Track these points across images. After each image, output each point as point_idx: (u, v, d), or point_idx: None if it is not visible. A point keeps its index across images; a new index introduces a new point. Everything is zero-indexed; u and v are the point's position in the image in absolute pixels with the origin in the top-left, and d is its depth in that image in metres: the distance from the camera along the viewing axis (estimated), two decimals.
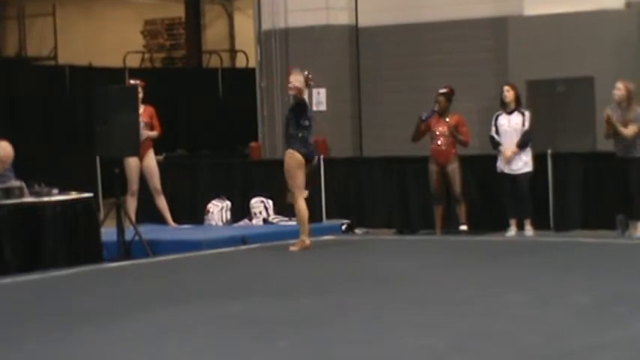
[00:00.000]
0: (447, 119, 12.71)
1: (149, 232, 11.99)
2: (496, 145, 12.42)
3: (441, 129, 12.67)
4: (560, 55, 13.78)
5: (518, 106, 12.45)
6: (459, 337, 6.78)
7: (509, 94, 12.45)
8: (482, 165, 12.82)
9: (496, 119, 12.48)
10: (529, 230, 12.34)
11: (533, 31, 13.98)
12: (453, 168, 12.70)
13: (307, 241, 11.00)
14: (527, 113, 12.42)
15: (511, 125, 12.37)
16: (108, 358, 6.63)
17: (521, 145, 12.29)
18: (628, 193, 11.63)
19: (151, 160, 12.86)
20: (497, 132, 12.44)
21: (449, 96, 12.78)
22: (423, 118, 12.72)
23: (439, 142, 12.66)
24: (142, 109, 12.88)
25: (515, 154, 12.26)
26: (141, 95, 12.85)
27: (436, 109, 12.73)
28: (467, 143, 12.75)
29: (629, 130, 11.48)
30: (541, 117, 13.48)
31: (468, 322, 7.19)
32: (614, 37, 13.88)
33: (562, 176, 12.70)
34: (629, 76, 12.08)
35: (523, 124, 12.34)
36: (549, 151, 12.68)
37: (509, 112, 12.44)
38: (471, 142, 12.79)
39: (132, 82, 13.12)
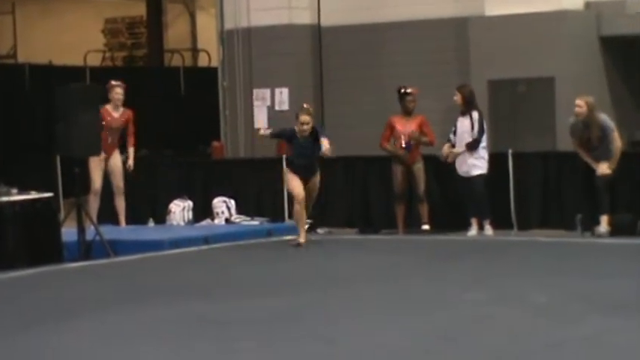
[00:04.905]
0: (413, 120, 12.77)
1: (110, 232, 11.92)
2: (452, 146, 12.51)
3: (408, 129, 12.71)
4: (521, 55, 13.85)
5: (467, 109, 12.47)
6: (420, 336, 6.82)
7: (456, 97, 12.54)
8: (443, 165, 12.87)
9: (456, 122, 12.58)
10: (489, 230, 12.40)
11: (494, 32, 14.05)
12: (419, 168, 12.75)
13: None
14: (474, 115, 12.45)
15: (462, 127, 12.45)
16: (66, 358, 6.59)
17: (470, 147, 12.33)
18: (591, 193, 11.68)
19: (117, 160, 12.86)
20: (454, 133, 12.51)
21: (416, 96, 12.85)
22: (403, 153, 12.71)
23: (405, 143, 12.69)
24: (120, 111, 12.83)
25: (452, 153, 12.29)
26: (122, 97, 12.82)
27: (410, 108, 12.77)
28: (432, 143, 12.80)
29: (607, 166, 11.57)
30: (502, 117, 13.55)
31: (429, 321, 7.23)
32: (574, 37, 13.98)
33: (523, 175, 12.77)
34: (588, 75, 12.17)
35: (472, 126, 12.39)
36: (510, 151, 12.75)
37: (462, 115, 12.51)
38: (435, 142, 12.83)
39: (113, 82, 12.93)
